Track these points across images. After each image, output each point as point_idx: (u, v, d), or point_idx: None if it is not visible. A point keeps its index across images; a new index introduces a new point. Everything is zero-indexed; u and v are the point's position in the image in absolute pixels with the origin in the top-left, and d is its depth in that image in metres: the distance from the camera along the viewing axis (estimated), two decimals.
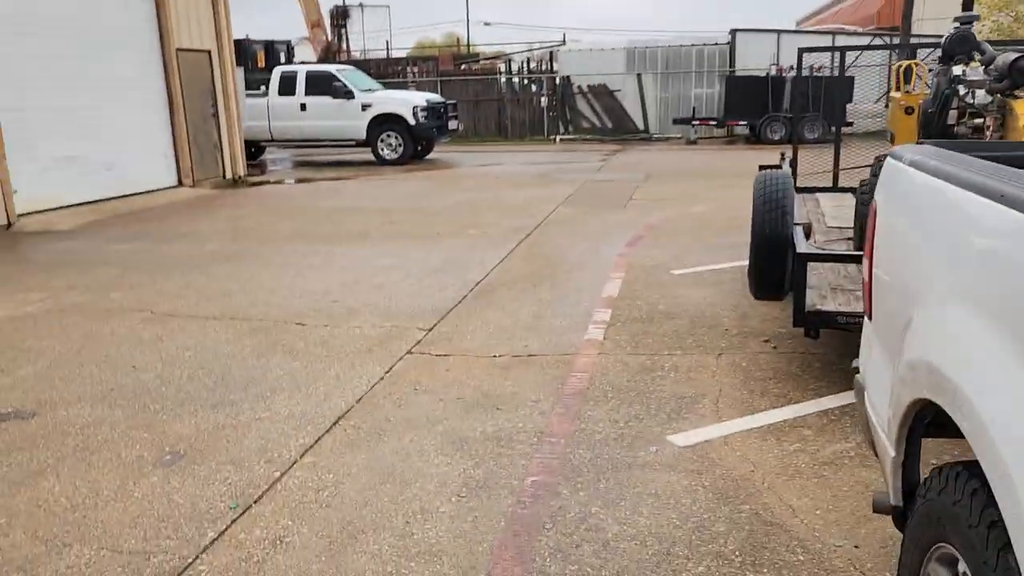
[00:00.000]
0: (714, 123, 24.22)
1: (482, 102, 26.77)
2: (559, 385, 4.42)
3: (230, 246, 8.83)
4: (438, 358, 4.94)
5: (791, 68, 23.25)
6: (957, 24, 4.87)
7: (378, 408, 4.17)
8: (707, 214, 10.10)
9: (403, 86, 25.67)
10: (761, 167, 8.03)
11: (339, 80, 18.51)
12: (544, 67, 27.47)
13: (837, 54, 24.71)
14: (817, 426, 3.79)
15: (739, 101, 23.07)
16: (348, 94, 18.34)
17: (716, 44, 25.74)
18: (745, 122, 23.31)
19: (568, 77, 26.02)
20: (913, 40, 23.61)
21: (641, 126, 25.90)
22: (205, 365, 4.90)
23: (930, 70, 4.95)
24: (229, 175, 15.72)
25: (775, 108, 22.60)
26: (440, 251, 8.21)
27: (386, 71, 27.18)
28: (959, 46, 4.72)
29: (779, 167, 7.68)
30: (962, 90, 4.59)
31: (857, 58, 19.75)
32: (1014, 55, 4.57)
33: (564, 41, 28.86)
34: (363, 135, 18.45)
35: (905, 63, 5.94)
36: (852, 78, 19.06)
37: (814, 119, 22.49)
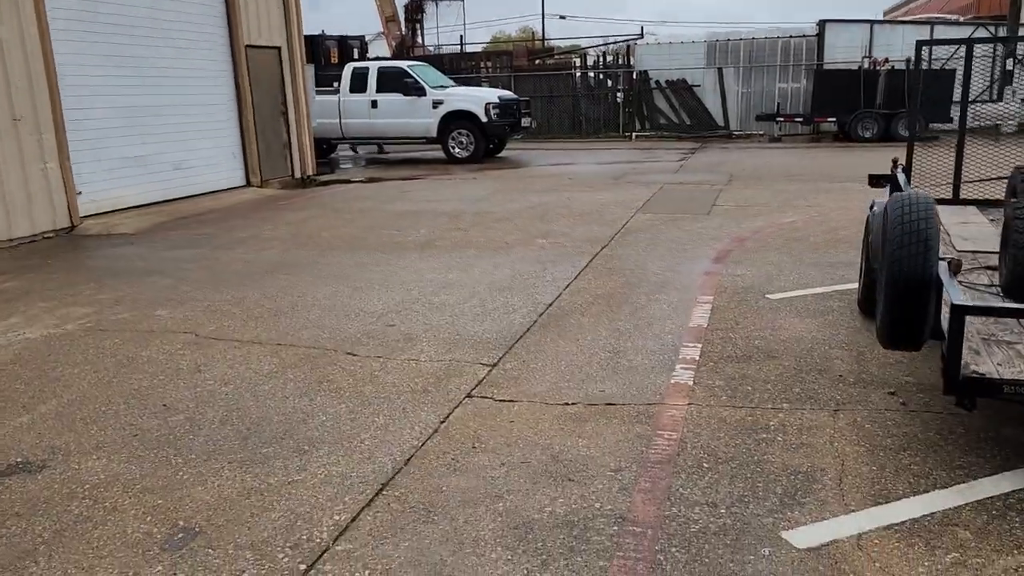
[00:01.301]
0: (800, 120, 22.93)
1: (556, 98, 26.04)
2: (643, 448, 3.71)
3: (289, 254, 8.39)
4: (502, 404, 4.29)
5: (886, 60, 21.79)
6: None
7: (430, 472, 3.55)
8: (801, 225, 9.19)
9: (476, 82, 25.18)
10: (872, 177, 7.14)
11: (411, 76, 18.09)
12: (620, 61, 26.56)
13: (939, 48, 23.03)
14: (976, 526, 2.99)
15: (828, 96, 21.72)
16: (419, 91, 17.91)
17: (803, 36, 24.38)
18: (834, 119, 21.95)
19: (645, 72, 25.07)
20: None
21: (721, 122, 24.79)
22: (242, 406, 4.37)
23: None
24: (298, 174, 15.44)
25: (867, 104, 21.19)
26: (508, 264, 7.58)
27: (459, 66, 26.72)
28: None
29: (893, 177, 6.77)
30: None
31: (955, 52, 18.15)
32: None
33: (642, 34, 27.92)
34: (434, 133, 18.01)
35: None
36: (954, 72, 17.57)
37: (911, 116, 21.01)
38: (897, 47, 22.62)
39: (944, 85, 17.59)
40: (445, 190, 13.46)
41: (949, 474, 3.38)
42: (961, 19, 25.75)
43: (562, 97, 26.10)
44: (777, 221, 9.51)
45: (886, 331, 3.66)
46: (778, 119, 23.09)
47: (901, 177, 6.61)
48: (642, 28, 27.71)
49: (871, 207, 5.71)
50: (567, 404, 4.27)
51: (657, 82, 24.97)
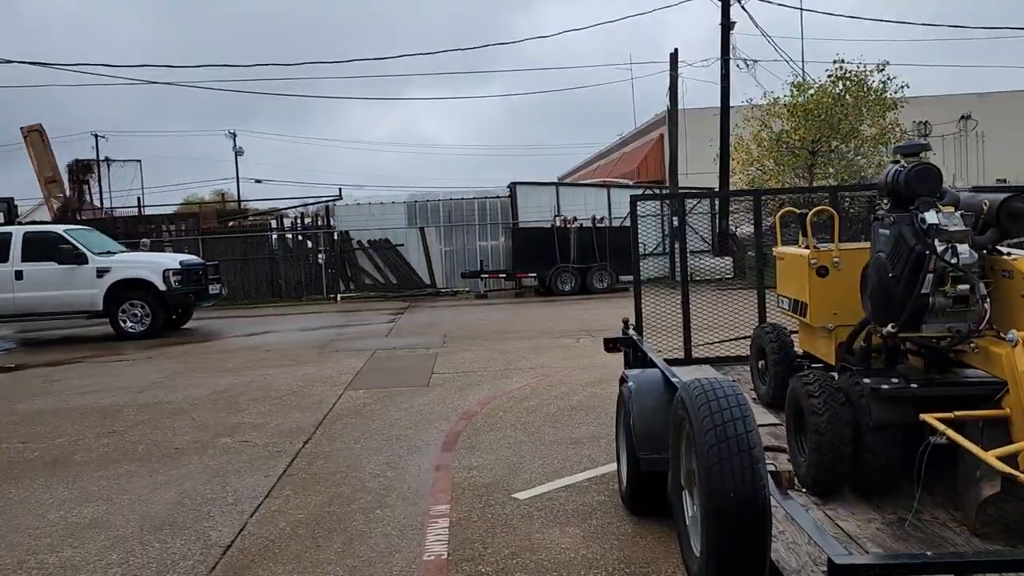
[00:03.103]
0: (504, 275, 23.37)
1: (252, 261, 24.21)
2: None
3: None
4: None
5: (575, 219, 23.11)
6: (900, 158, 3.52)
7: None
8: (530, 392, 8.32)
9: (158, 247, 22.55)
10: (608, 341, 6.39)
11: (68, 242, 15.36)
12: (320, 222, 25.61)
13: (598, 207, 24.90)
14: None
15: (527, 253, 22.43)
16: (80, 258, 15.19)
17: (498, 197, 25.40)
18: (535, 274, 22.61)
19: (347, 232, 24.33)
20: (682, 190, 24.56)
21: (427, 281, 24.53)
22: None
23: (876, 218, 3.57)
24: None
25: (563, 259, 22.11)
26: (175, 482, 5.65)
27: (136, 230, 23.96)
28: (923, 184, 3.33)
29: (629, 339, 6.10)
30: (939, 246, 3.16)
31: (633, 210, 19.78)
32: (1001, 195, 3.25)
33: (340, 195, 27.32)
34: (99, 306, 15.25)
35: (820, 209, 4.61)
36: (636, 228, 18.85)
37: (602, 269, 22.23)
38: (580, 207, 24.30)
39: (628, 240, 18.77)
40: (108, 376, 10.95)
41: None
42: (631, 183, 28.62)
43: (259, 260, 24.33)
44: (504, 389, 8.56)
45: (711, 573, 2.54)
46: (483, 276, 23.29)
47: (636, 337, 5.95)
48: (340, 189, 27.14)
49: (623, 380, 4.85)
50: None
51: (360, 242, 24.28)
